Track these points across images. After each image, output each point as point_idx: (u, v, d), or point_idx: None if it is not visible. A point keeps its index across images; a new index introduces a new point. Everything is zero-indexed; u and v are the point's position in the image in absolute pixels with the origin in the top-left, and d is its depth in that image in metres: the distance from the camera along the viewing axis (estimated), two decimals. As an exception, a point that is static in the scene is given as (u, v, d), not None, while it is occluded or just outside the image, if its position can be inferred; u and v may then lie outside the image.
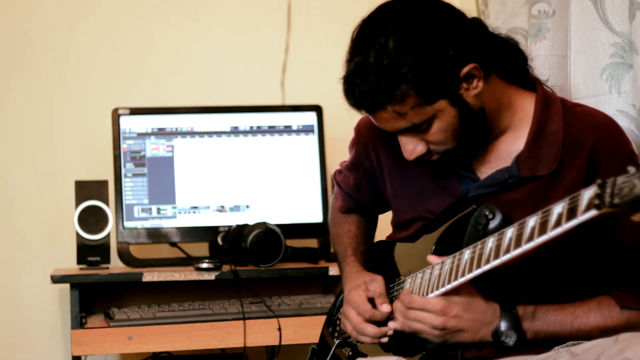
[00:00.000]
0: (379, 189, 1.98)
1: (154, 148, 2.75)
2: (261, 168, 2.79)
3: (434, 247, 1.76)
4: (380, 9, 1.70)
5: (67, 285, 2.51)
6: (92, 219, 2.63)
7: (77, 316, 2.45)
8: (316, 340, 2.05)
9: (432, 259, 1.72)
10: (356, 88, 1.66)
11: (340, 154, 2.24)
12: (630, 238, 1.68)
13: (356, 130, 2.01)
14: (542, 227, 1.46)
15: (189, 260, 2.70)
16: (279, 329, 2.47)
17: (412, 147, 1.73)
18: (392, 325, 1.77)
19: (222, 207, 2.76)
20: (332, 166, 2.48)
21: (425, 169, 1.83)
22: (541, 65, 2.24)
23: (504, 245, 1.54)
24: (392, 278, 1.86)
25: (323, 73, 2.67)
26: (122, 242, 2.69)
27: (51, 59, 2.95)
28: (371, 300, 1.82)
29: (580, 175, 1.70)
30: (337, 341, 1.95)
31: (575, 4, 2.16)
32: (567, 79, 2.19)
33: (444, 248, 1.73)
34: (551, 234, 1.44)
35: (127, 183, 2.71)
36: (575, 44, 2.17)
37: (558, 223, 1.42)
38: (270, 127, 2.81)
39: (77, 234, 2.62)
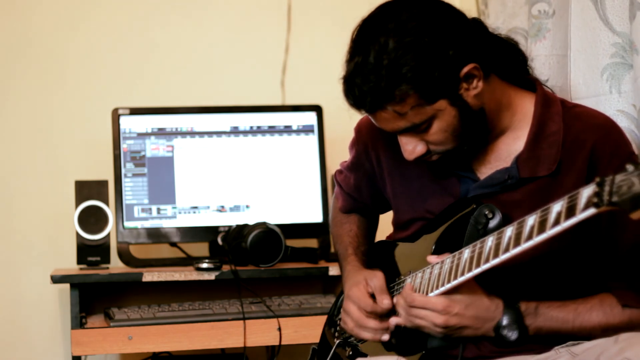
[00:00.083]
0: (379, 189, 1.98)
1: (154, 148, 2.74)
2: (261, 168, 2.79)
3: (434, 247, 1.76)
4: (380, 9, 1.70)
5: (67, 285, 2.51)
6: (92, 219, 2.63)
7: (77, 316, 2.45)
8: (316, 340, 2.05)
9: (432, 259, 1.73)
10: (356, 88, 1.66)
11: (340, 154, 2.24)
12: (630, 237, 1.68)
13: (356, 130, 2.01)
14: (541, 226, 1.46)
15: (189, 260, 2.70)
16: (279, 329, 2.47)
17: (412, 147, 1.73)
18: (394, 320, 1.77)
19: (222, 207, 2.76)
20: (332, 166, 2.48)
21: (425, 169, 1.83)
22: (541, 66, 2.23)
23: (504, 244, 1.54)
24: (393, 278, 1.86)
25: (323, 73, 2.67)
26: (122, 242, 2.69)
27: (51, 59, 2.95)
28: (372, 297, 1.82)
29: (580, 176, 1.70)
30: (338, 341, 1.95)
31: (575, 4, 2.16)
32: (567, 79, 2.18)
33: (444, 248, 1.73)
34: (550, 232, 1.44)
35: (127, 183, 2.71)
36: (575, 44, 2.17)
37: (557, 221, 1.42)
38: (270, 127, 2.80)
39: (77, 234, 2.62)
